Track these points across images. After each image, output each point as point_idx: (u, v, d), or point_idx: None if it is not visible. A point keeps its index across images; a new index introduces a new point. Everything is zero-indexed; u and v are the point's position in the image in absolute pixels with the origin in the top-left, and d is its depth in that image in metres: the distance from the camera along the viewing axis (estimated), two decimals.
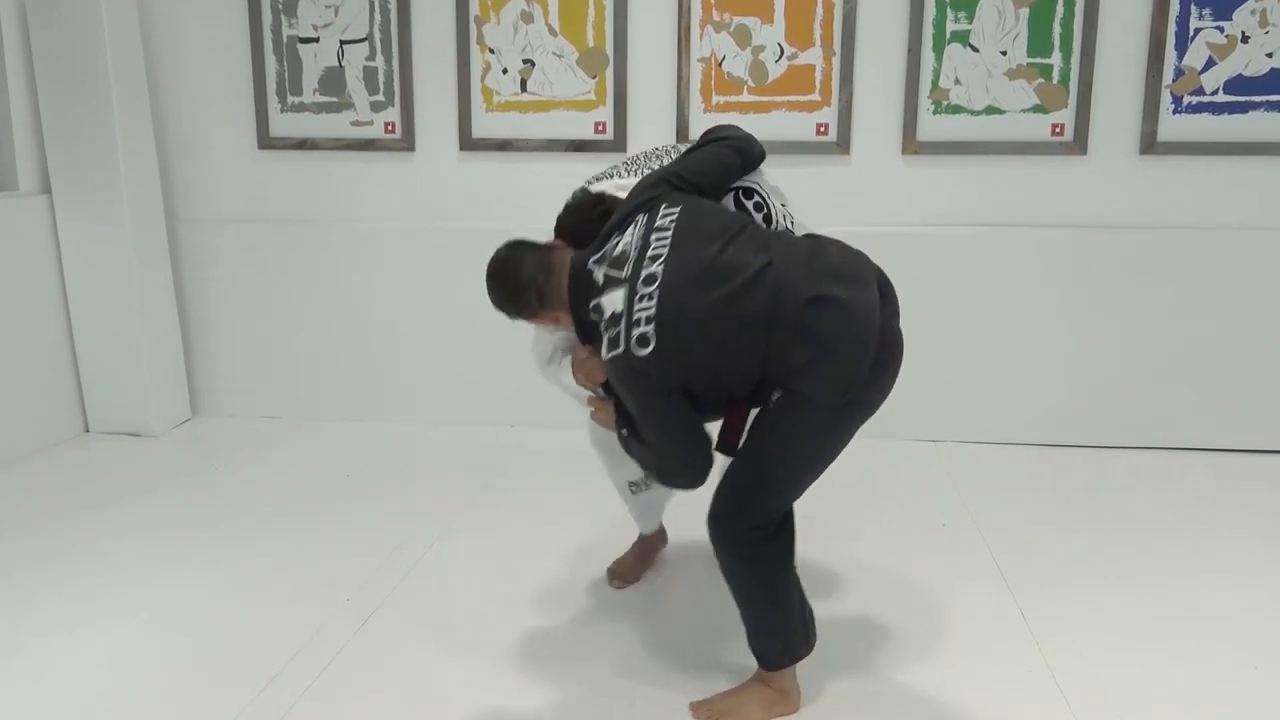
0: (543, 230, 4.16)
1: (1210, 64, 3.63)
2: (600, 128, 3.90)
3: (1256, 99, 3.64)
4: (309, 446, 3.93)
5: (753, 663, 2.15)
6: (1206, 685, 2.25)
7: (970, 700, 2.20)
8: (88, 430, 4.07)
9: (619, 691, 2.24)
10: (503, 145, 3.96)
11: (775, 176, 2.40)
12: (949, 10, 3.69)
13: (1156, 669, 2.32)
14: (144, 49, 3.95)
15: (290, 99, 4.03)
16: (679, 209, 2.01)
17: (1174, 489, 3.46)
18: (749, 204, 2.21)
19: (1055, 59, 3.68)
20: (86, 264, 3.92)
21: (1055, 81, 3.69)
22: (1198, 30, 3.62)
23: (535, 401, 3.42)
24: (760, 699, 2.10)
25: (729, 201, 2.23)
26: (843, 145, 3.80)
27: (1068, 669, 2.31)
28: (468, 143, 3.97)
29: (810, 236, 2.09)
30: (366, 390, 4.19)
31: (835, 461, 2.03)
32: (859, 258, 2.01)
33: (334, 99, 4.01)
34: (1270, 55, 3.61)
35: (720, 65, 3.81)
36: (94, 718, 2.16)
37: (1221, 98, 3.65)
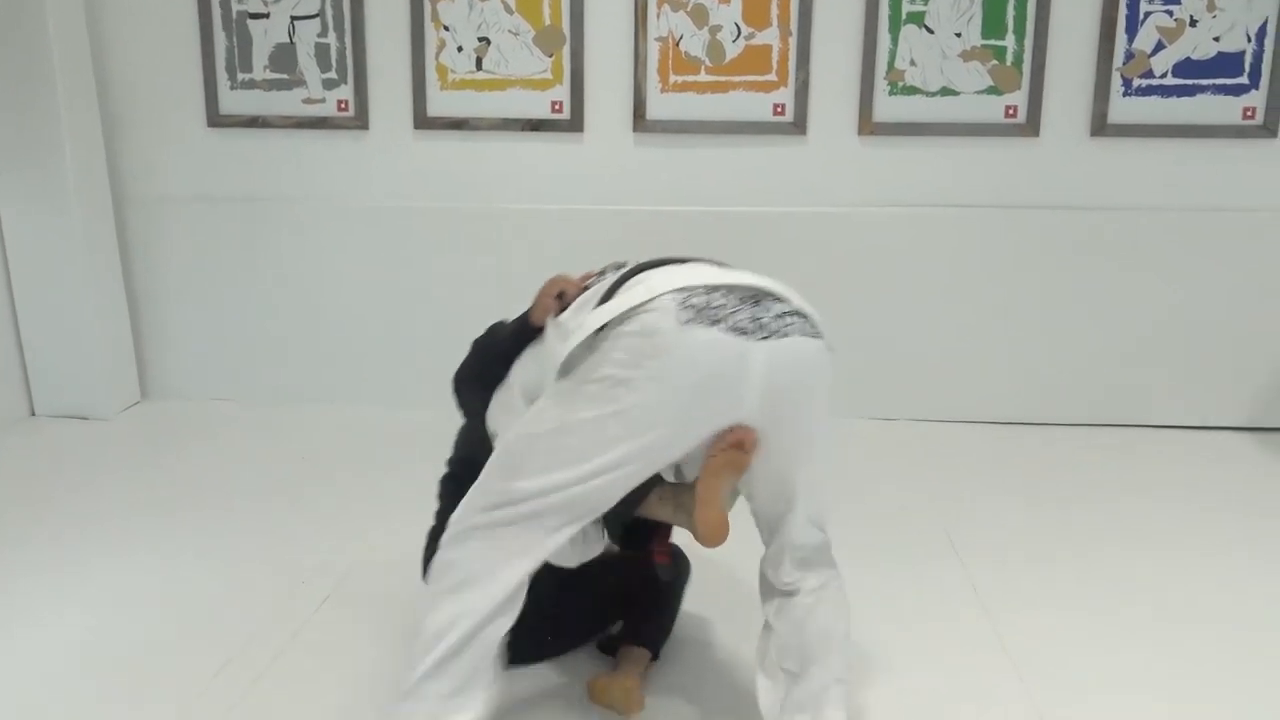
0: (499, 210, 4.12)
1: (1160, 47, 3.68)
2: (557, 107, 3.87)
3: (1204, 82, 3.69)
4: (263, 429, 3.87)
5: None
6: (1161, 661, 2.31)
7: (925, 677, 2.24)
8: (34, 414, 3.98)
9: (578, 671, 2.25)
10: (458, 124, 3.92)
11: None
12: None
13: (1110, 645, 2.37)
14: (88, 24, 3.83)
15: (240, 75, 3.95)
16: None
17: (1128, 467, 3.53)
18: None
19: (1009, 41, 3.71)
20: (30, 245, 3.82)
21: (1009, 63, 3.72)
22: (1148, 13, 3.66)
23: None
24: None
25: None
26: (799, 126, 3.81)
27: (1021, 645, 2.35)
28: (423, 121, 3.92)
29: None
30: (320, 372, 4.14)
31: None
32: None
33: (285, 76, 3.94)
34: (1217, 39, 3.66)
35: (678, 44, 3.80)
36: (47, 707, 2.12)
37: (1170, 80, 3.70)
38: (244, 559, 2.78)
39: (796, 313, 1.75)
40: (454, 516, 1.81)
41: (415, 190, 3.99)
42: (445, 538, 1.80)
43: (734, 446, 1.75)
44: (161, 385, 4.23)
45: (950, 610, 2.52)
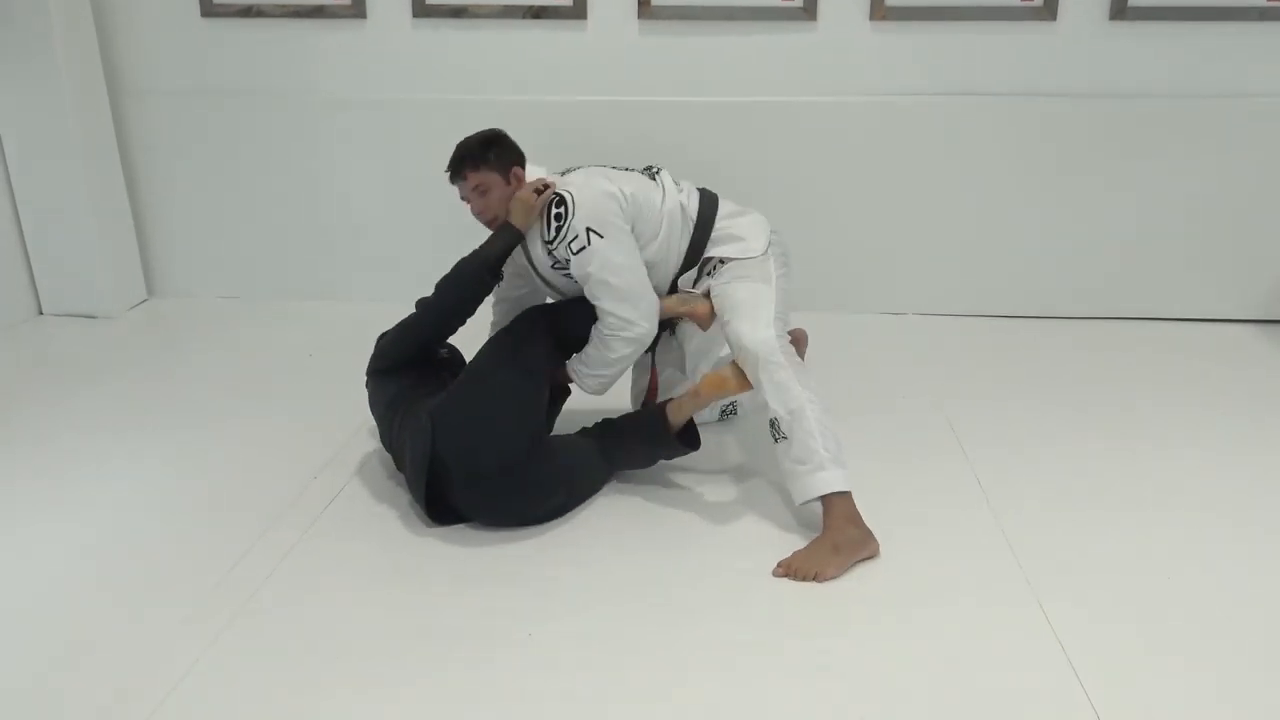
0: (496, 102, 4.02)
1: None
2: None
3: None
4: (269, 326, 3.88)
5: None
6: (1158, 546, 2.34)
7: (924, 563, 2.27)
8: (41, 313, 3.99)
9: (597, 549, 2.29)
10: (458, 11, 3.81)
11: None
12: None
13: (1097, 529, 2.40)
14: None
15: None
16: None
17: (1135, 359, 3.51)
18: None
19: None
20: (27, 142, 3.77)
21: None
22: None
23: None
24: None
25: None
26: (809, 11, 3.69)
27: (1018, 531, 2.38)
28: (421, 9, 3.81)
29: None
30: (325, 268, 4.13)
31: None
32: None
33: None
34: None
35: None
36: (60, 604, 2.17)
37: None
38: (255, 456, 2.81)
39: None
40: (792, 396, 2.34)
41: (415, 81, 3.90)
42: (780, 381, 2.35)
43: None
44: (168, 283, 4.23)
45: (953, 500, 2.55)
